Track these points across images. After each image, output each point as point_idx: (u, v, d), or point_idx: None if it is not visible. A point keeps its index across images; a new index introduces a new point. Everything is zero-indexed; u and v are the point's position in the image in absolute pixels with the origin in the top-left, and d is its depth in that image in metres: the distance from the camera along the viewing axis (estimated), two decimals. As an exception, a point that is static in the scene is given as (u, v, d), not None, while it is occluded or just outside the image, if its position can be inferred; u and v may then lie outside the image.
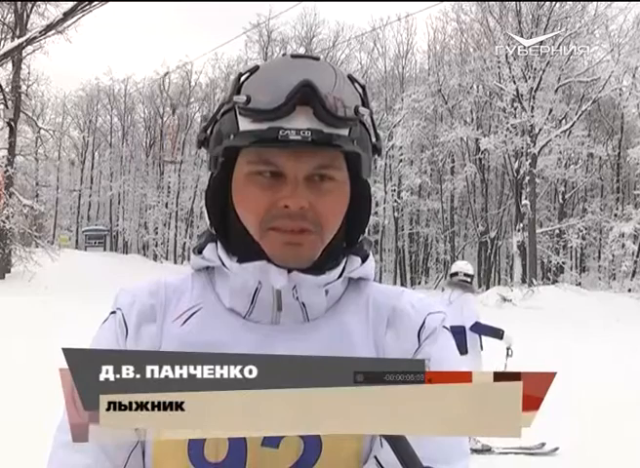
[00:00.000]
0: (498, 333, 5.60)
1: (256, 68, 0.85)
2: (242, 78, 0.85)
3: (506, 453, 5.36)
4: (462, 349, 5.47)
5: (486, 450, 5.38)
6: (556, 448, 5.39)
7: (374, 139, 0.89)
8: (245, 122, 0.82)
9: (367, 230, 0.94)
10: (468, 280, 5.86)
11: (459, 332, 5.51)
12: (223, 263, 0.88)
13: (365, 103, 0.85)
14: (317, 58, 0.86)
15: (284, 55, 0.87)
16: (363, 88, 0.86)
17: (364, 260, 0.91)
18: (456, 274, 5.90)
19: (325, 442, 0.82)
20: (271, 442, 0.82)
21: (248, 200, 0.84)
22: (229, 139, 0.84)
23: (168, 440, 0.83)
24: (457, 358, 0.91)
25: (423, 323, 0.89)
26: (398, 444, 0.69)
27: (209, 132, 0.89)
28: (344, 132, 0.83)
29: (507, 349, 5.61)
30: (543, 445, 5.41)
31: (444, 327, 0.91)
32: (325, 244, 0.86)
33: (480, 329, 5.61)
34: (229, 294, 0.89)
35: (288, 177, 0.82)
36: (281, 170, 0.82)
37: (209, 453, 0.83)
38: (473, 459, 5.16)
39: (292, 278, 0.85)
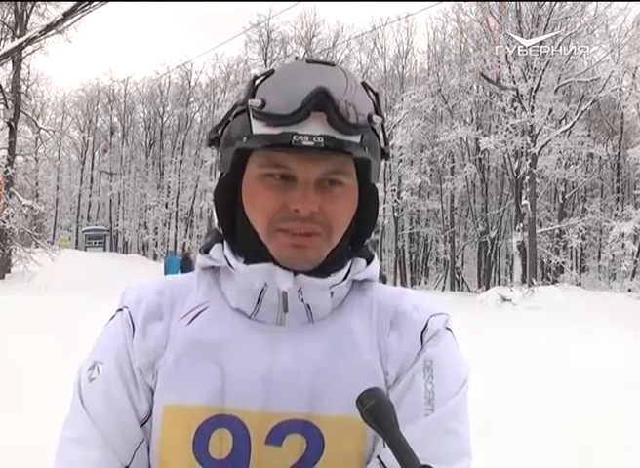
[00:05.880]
0: None
1: (271, 72, 0.85)
2: (257, 81, 0.85)
3: None
4: None
5: None
6: None
7: (382, 144, 0.90)
8: (258, 125, 0.83)
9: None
10: None
11: None
12: (230, 264, 0.88)
13: (377, 110, 0.85)
14: (332, 65, 0.87)
15: (296, 58, 0.87)
16: (376, 95, 0.87)
17: (369, 262, 0.92)
18: None
19: (327, 440, 0.83)
20: (275, 439, 0.82)
21: (258, 201, 0.85)
22: (242, 142, 0.84)
23: (172, 436, 0.84)
24: (458, 359, 0.90)
25: (426, 324, 0.89)
26: (396, 441, 0.69)
27: (220, 131, 0.89)
28: (356, 138, 0.83)
29: None
30: None
31: (447, 328, 0.91)
32: (332, 247, 0.86)
33: None
34: (235, 295, 0.89)
35: (299, 181, 0.82)
36: (292, 173, 0.83)
37: (213, 450, 0.83)
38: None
39: (297, 280, 0.85)
